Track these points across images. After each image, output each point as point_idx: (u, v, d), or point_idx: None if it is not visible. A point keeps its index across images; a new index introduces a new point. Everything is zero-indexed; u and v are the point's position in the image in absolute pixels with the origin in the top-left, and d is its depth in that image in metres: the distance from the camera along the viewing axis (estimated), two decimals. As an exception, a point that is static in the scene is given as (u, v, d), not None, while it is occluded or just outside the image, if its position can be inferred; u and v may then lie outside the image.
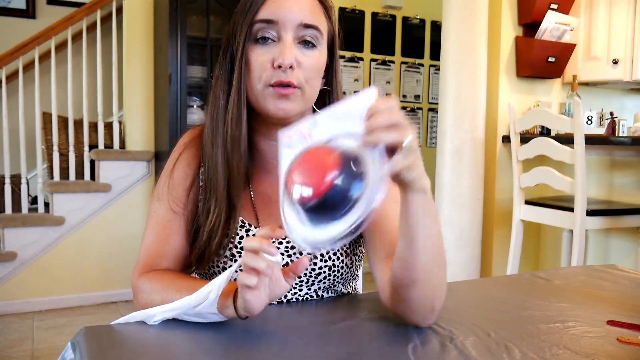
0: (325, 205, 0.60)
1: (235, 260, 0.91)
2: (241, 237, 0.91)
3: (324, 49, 0.89)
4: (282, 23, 0.84)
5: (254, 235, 0.78)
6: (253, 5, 0.85)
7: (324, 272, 0.93)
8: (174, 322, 0.78)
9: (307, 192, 0.61)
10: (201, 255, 0.90)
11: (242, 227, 0.92)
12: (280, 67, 0.83)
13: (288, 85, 0.84)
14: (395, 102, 0.65)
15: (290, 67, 0.83)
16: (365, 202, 0.60)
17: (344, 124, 0.65)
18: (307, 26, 0.85)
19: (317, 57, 0.87)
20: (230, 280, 0.76)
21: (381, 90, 0.67)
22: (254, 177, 0.95)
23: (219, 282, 0.73)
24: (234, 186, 0.89)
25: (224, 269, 0.91)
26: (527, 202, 2.69)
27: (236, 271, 0.74)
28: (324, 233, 0.62)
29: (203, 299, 0.74)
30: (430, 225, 0.72)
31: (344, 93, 4.29)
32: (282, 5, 0.84)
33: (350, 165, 0.61)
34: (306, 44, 0.86)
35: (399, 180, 0.67)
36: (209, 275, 0.94)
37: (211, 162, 0.89)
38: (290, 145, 0.67)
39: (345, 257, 0.94)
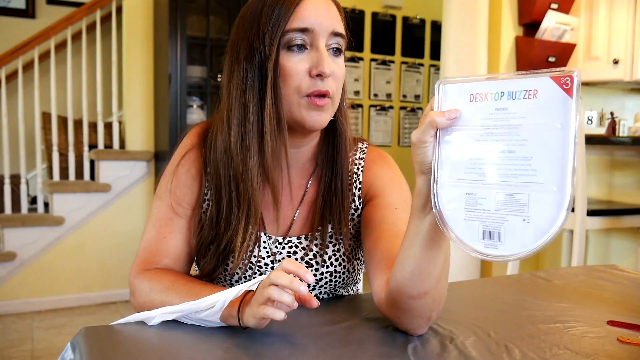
0: None
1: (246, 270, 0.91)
2: (249, 242, 0.91)
3: (343, 56, 0.89)
4: (317, 31, 0.82)
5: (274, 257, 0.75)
6: (284, 11, 0.81)
7: (326, 277, 0.92)
8: (174, 323, 0.78)
9: None
10: (215, 267, 0.90)
11: (251, 233, 0.90)
12: (318, 75, 0.81)
13: (324, 95, 0.82)
14: None
15: (329, 75, 0.82)
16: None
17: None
18: (337, 34, 0.84)
19: (343, 66, 0.87)
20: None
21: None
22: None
23: (226, 297, 0.73)
24: (275, 199, 0.87)
25: (230, 274, 0.91)
26: (527, 202, 2.68)
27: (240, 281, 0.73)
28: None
29: (207, 307, 0.75)
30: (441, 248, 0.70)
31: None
32: (316, 13, 0.82)
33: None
34: (335, 52, 0.85)
35: None
36: (213, 278, 0.94)
37: (241, 178, 0.85)
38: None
39: (347, 263, 0.94)
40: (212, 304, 0.74)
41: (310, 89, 0.82)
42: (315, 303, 0.71)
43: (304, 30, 0.82)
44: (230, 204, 0.87)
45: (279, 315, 0.68)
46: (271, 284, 0.69)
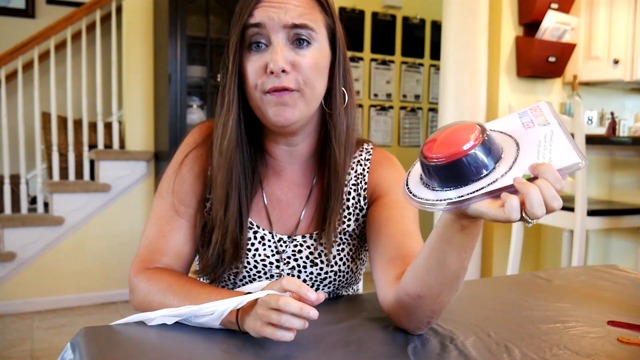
0: (454, 170, 0.59)
1: (244, 267, 0.91)
2: (254, 241, 0.91)
3: (323, 46, 0.86)
4: (270, 26, 0.82)
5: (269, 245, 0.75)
6: (244, 11, 0.83)
7: (329, 277, 0.92)
8: (173, 323, 0.78)
9: (442, 153, 0.59)
10: (215, 265, 0.90)
11: (255, 232, 0.91)
12: (272, 72, 0.81)
13: (284, 89, 0.81)
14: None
15: (283, 71, 0.81)
16: (489, 180, 0.59)
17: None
18: (297, 26, 0.82)
19: (315, 56, 0.84)
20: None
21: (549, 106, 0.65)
22: (265, 181, 0.94)
23: (226, 307, 0.73)
24: (242, 199, 0.88)
25: (234, 273, 0.91)
26: (527, 202, 2.68)
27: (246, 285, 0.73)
28: (443, 194, 0.61)
29: (207, 313, 0.75)
30: (468, 257, 0.69)
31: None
32: (268, 9, 0.82)
33: (489, 145, 0.60)
34: (300, 43, 0.83)
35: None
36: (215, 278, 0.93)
37: (215, 174, 0.87)
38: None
39: (351, 262, 0.94)
40: (212, 312, 0.74)
41: (267, 86, 0.82)
42: (316, 315, 0.70)
43: (257, 26, 0.82)
44: (216, 202, 0.88)
45: (289, 336, 0.68)
46: (279, 310, 0.67)
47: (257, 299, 0.72)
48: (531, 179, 0.57)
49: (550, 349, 0.72)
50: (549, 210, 0.57)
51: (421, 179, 0.64)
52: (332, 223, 0.90)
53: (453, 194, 0.60)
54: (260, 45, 0.83)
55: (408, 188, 0.64)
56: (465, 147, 0.58)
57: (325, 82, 0.87)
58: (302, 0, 0.84)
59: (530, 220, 0.57)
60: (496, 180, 0.58)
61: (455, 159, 0.58)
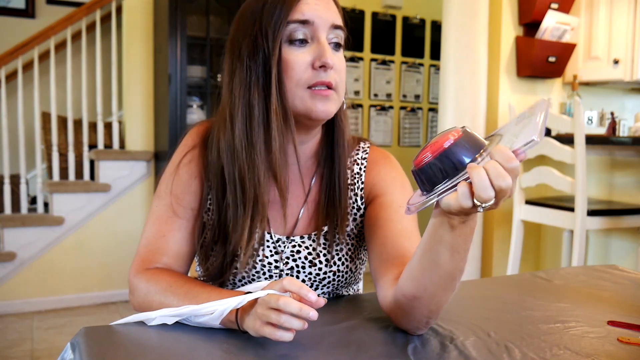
0: (435, 169, 0.62)
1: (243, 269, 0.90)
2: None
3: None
4: (317, 24, 0.83)
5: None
6: (285, 7, 0.83)
7: (329, 277, 0.92)
8: (173, 323, 0.78)
9: (427, 155, 0.63)
10: (221, 269, 0.89)
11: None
12: (322, 67, 0.82)
13: (328, 86, 0.83)
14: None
15: (332, 67, 0.83)
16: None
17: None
18: (337, 27, 0.86)
19: (344, 59, 0.88)
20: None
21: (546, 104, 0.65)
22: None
23: (226, 306, 0.73)
24: (283, 197, 0.87)
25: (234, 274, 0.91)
26: (527, 202, 2.68)
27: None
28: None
29: (207, 313, 0.75)
30: (462, 259, 0.69)
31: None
32: (314, 7, 0.84)
33: (468, 140, 0.62)
34: (335, 45, 0.86)
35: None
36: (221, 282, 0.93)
37: (247, 176, 0.84)
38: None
39: (350, 262, 0.94)
40: (212, 312, 0.74)
41: (313, 80, 0.82)
42: (315, 316, 0.69)
43: (304, 23, 0.83)
44: (236, 203, 0.86)
45: (288, 337, 0.68)
46: (278, 310, 0.67)
47: (257, 299, 0.72)
48: None
49: (550, 349, 0.72)
50: (497, 191, 0.57)
51: (420, 194, 0.66)
52: (342, 223, 0.91)
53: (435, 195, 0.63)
54: (304, 41, 0.84)
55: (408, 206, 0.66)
56: (445, 145, 0.61)
57: None
58: (334, 4, 0.88)
59: (480, 204, 0.58)
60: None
61: (437, 154, 0.61)
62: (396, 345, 0.73)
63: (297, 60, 0.82)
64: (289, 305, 0.67)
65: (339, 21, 0.86)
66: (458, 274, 0.71)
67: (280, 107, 0.83)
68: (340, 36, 0.87)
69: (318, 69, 0.82)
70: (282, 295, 0.68)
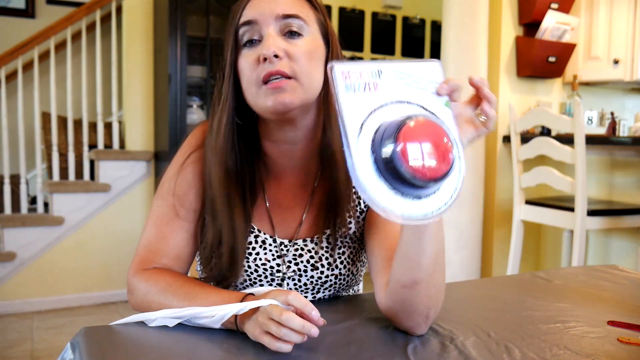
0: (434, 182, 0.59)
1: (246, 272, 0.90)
2: (254, 245, 0.90)
3: (316, 37, 0.86)
4: (261, 20, 0.83)
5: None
6: (235, 14, 0.86)
7: (330, 280, 0.92)
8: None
9: (432, 170, 0.58)
10: (223, 271, 0.89)
11: (257, 236, 0.90)
12: (265, 59, 0.81)
13: (279, 75, 0.81)
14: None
15: (276, 56, 0.80)
16: (458, 176, 0.62)
17: (408, 88, 0.65)
18: (287, 16, 0.83)
19: (308, 45, 0.84)
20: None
21: (441, 65, 0.70)
22: (267, 184, 0.93)
23: (227, 312, 0.73)
24: (245, 207, 0.88)
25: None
26: (527, 202, 2.68)
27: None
28: (424, 205, 0.61)
29: (207, 316, 0.75)
30: (439, 228, 0.73)
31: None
32: (258, 5, 0.84)
33: (458, 147, 0.62)
34: (292, 34, 0.84)
35: None
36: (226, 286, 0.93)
37: (210, 177, 0.87)
38: (350, 87, 0.62)
39: (351, 265, 0.94)
40: (212, 315, 0.74)
41: (261, 75, 0.81)
42: (316, 333, 0.70)
43: (249, 23, 0.84)
44: (214, 206, 0.88)
45: (286, 348, 0.68)
46: (280, 325, 0.68)
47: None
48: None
49: (550, 349, 0.72)
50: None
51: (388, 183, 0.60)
52: (345, 226, 0.91)
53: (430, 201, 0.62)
54: (253, 41, 0.84)
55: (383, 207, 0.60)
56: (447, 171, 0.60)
57: (321, 74, 0.86)
58: None
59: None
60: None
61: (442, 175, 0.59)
62: (396, 345, 0.73)
63: (245, 61, 0.84)
64: (292, 321, 0.67)
65: (290, 10, 0.83)
66: (442, 247, 0.76)
67: (228, 105, 0.86)
68: (294, 24, 0.83)
69: (263, 62, 0.81)
70: (285, 309, 0.68)
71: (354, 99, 0.62)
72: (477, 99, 0.75)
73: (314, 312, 0.69)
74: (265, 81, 0.81)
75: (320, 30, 0.88)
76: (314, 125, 0.90)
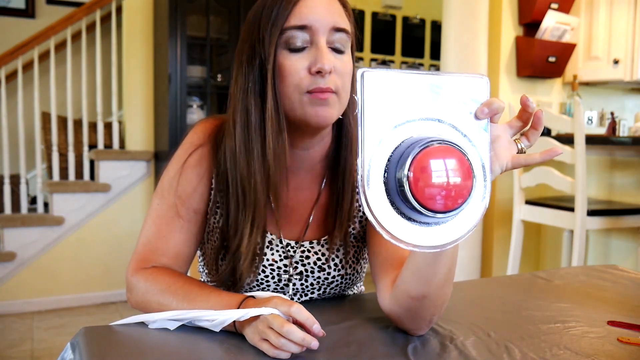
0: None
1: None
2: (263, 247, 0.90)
3: (349, 52, 0.85)
4: (315, 28, 0.80)
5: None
6: (282, 11, 0.80)
7: (337, 280, 0.92)
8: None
9: (443, 202, 0.54)
10: (231, 273, 0.88)
11: (264, 237, 0.90)
12: (319, 72, 0.79)
13: (328, 91, 0.80)
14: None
15: (330, 72, 0.80)
16: (479, 206, 0.59)
17: (443, 104, 0.59)
18: (338, 30, 0.82)
19: (348, 62, 0.84)
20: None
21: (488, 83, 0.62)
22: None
23: (228, 317, 0.73)
24: (277, 202, 0.87)
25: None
26: (527, 202, 2.68)
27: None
28: (435, 234, 0.58)
29: (208, 320, 0.75)
30: (455, 246, 0.70)
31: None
32: (313, 10, 0.80)
33: (486, 177, 0.59)
34: (337, 49, 0.82)
35: None
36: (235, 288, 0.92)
37: (246, 182, 0.84)
38: (377, 97, 0.58)
39: (356, 264, 0.94)
40: (213, 319, 0.74)
41: (310, 86, 0.80)
42: (316, 346, 0.70)
43: (302, 28, 0.80)
44: (237, 209, 0.86)
45: (284, 356, 0.68)
46: (280, 335, 0.68)
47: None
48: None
49: (550, 349, 0.72)
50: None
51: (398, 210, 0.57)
52: (349, 228, 0.91)
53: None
54: (301, 48, 0.81)
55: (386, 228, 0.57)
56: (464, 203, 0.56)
57: (350, 89, 0.86)
58: (339, 6, 0.84)
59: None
60: None
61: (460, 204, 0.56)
62: (396, 345, 0.73)
63: (294, 64, 0.80)
64: (292, 334, 0.67)
65: (342, 23, 0.82)
66: (455, 262, 0.74)
67: (275, 113, 0.81)
68: (342, 39, 0.82)
69: (315, 74, 0.79)
70: (286, 321, 0.68)
71: (379, 110, 0.57)
72: (521, 122, 0.68)
73: (315, 326, 0.69)
74: (310, 90, 0.80)
75: (351, 43, 0.87)
76: (328, 131, 0.91)
